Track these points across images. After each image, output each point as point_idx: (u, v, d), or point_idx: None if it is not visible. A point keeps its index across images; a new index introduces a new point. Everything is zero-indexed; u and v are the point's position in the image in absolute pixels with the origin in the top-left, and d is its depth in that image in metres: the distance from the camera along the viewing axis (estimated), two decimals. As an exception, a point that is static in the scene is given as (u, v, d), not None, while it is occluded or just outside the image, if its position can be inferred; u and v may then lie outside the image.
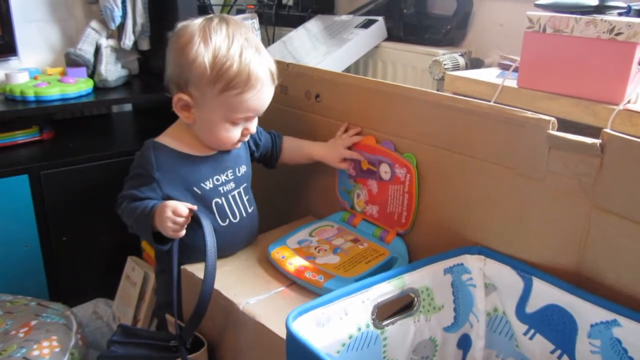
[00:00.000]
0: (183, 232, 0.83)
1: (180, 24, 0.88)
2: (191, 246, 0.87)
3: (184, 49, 0.84)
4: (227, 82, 0.83)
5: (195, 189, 0.89)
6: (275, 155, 1.04)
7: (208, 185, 0.91)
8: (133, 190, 0.87)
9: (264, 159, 1.04)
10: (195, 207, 0.84)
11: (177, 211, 0.81)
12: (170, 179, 0.88)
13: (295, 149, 1.04)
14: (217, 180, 0.92)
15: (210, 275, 0.79)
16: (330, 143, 1.01)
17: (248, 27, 0.89)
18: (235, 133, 0.89)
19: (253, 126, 0.91)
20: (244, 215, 0.95)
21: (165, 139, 0.91)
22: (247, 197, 0.97)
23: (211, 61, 0.82)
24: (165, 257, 0.88)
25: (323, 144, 1.02)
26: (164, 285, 0.98)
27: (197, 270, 0.88)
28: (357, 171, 1.00)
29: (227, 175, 0.94)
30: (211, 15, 0.89)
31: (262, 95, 0.87)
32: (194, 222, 0.84)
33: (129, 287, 1.24)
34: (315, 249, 0.92)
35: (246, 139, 0.92)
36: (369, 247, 0.93)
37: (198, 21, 0.86)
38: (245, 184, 0.97)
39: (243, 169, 0.97)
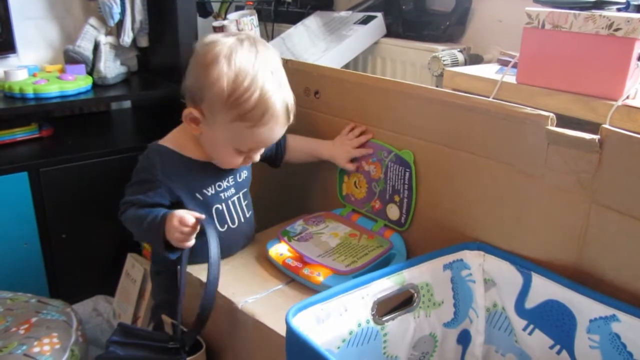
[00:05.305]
0: (191, 242, 0.82)
1: (209, 38, 0.85)
2: (193, 249, 0.85)
3: (207, 67, 0.81)
4: (242, 112, 0.81)
5: (197, 195, 0.89)
6: (280, 155, 1.03)
7: (210, 191, 0.90)
8: (139, 196, 0.85)
9: (268, 159, 1.03)
10: (203, 217, 0.82)
11: (183, 221, 0.80)
12: (176, 183, 0.87)
13: (300, 147, 1.03)
14: (219, 186, 0.91)
15: (212, 284, 0.78)
16: (338, 143, 0.99)
17: (276, 55, 0.87)
18: (237, 159, 0.87)
19: (257, 156, 0.89)
20: (242, 220, 0.95)
21: (170, 142, 0.89)
22: (246, 202, 0.96)
23: (230, 88, 0.80)
24: (163, 260, 0.86)
25: (330, 143, 1.00)
26: (159, 287, 0.97)
27: (196, 271, 0.87)
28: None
29: (228, 181, 0.92)
30: (243, 35, 0.85)
31: (274, 131, 0.84)
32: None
33: (129, 284, 1.24)
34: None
35: (247, 164, 0.91)
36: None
37: (228, 41, 0.83)
38: (245, 189, 0.96)
39: (244, 174, 0.96)
